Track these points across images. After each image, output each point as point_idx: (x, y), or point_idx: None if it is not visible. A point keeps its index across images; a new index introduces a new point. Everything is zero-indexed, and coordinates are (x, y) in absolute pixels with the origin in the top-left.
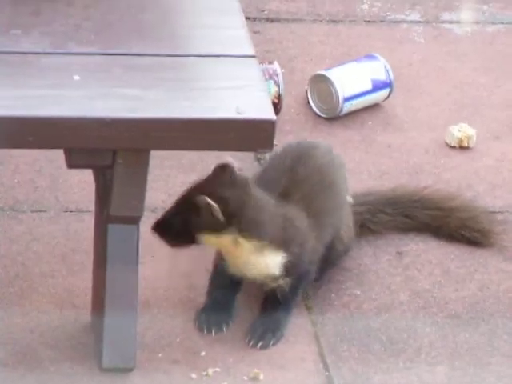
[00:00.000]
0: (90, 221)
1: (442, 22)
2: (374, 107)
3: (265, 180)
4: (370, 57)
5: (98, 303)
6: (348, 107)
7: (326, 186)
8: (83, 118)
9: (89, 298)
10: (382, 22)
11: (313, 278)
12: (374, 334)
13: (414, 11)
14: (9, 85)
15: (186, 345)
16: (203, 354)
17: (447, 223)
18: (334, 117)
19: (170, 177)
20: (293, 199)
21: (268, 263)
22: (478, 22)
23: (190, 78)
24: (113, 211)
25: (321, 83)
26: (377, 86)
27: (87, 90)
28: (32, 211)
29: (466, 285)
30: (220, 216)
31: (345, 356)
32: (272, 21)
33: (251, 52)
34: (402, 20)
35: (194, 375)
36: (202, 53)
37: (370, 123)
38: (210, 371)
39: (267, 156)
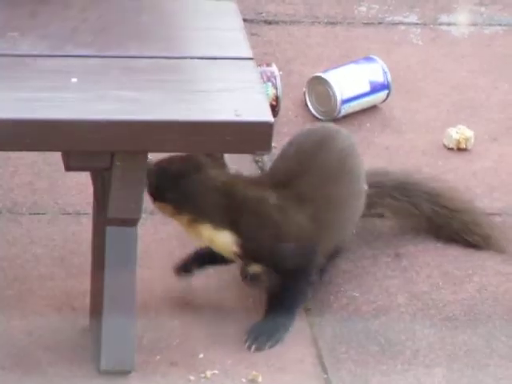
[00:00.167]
0: (88, 223)
1: (440, 24)
2: (372, 109)
3: (282, 161)
4: (367, 59)
5: (97, 305)
6: (346, 109)
7: (346, 173)
8: (81, 120)
9: (87, 300)
10: (379, 24)
11: (311, 279)
12: (373, 336)
13: (411, 13)
14: (6, 87)
15: (184, 347)
16: (201, 356)
17: (449, 224)
18: (332, 119)
19: None
20: (296, 185)
21: (218, 241)
22: (475, 24)
23: (188, 80)
24: (111, 213)
25: (319, 85)
26: (375, 88)
27: (85, 92)
28: (30, 214)
29: (464, 287)
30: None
31: (343, 358)
32: (270, 23)
33: (249, 54)
34: (400, 22)
35: (192, 377)
36: (200, 55)
37: (368, 125)
38: (209, 373)
39: (265, 158)
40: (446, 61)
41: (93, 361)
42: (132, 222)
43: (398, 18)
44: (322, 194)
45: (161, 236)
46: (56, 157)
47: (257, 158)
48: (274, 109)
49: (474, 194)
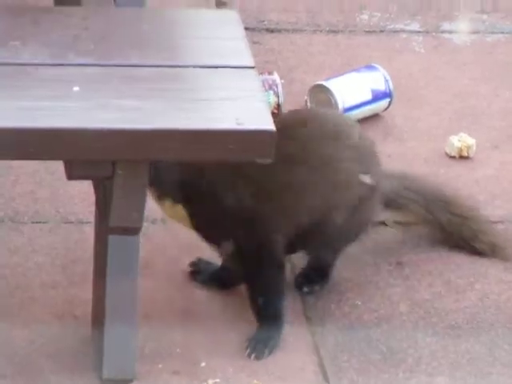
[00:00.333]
0: (90, 232)
1: (442, 31)
2: (373, 117)
3: None
4: (369, 67)
5: (99, 314)
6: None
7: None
8: (83, 129)
9: (89, 308)
10: (381, 32)
11: (276, 262)
12: (375, 345)
13: (413, 21)
14: (8, 96)
15: (186, 355)
16: (203, 364)
17: (460, 231)
18: None
19: None
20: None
21: (177, 214)
22: (477, 32)
23: (189, 88)
24: (112, 222)
25: (320, 93)
26: (377, 97)
27: (86, 101)
28: (32, 222)
29: (467, 295)
30: None
31: (345, 367)
32: (272, 31)
33: (250, 63)
34: (402, 30)
35: None
36: (201, 64)
37: (369, 133)
38: (211, 382)
39: None
40: (447, 69)
41: (95, 369)
42: (134, 231)
43: (399, 26)
44: (271, 176)
45: (163, 245)
46: (58, 165)
47: None
48: (276, 117)
49: (477, 201)
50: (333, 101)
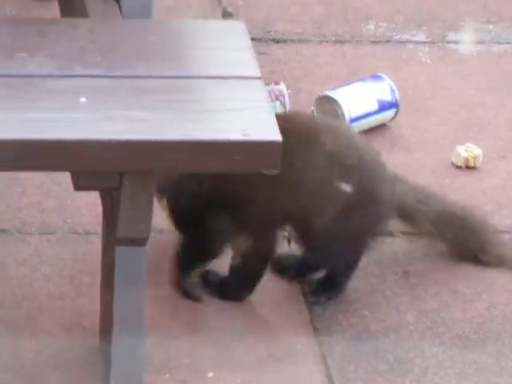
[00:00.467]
0: (97, 243)
1: (448, 42)
2: (380, 128)
3: None
4: (375, 77)
5: (106, 325)
6: (354, 128)
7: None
8: (90, 140)
9: (97, 319)
10: (387, 42)
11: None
12: (382, 355)
13: (419, 31)
14: (15, 108)
15: (194, 366)
16: (211, 375)
17: (466, 244)
18: None
19: None
20: None
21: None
22: (483, 42)
23: (196, 99)
24: (120, 233)
25: (327, 104)
26: (383, 107)
27: (93, 112)
28: (39, 233)
29: (474, 305)
30: None
31: (352, 377)
32: (278, 42)
33: (257, 73)
34: (408, 40)
35: None
36: (208, 74)
37: (376, 144)
38: None
39: None
40: (454, 79)
41: (102, 380)
42: (141, 242)
43: (405, 37)
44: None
45: (170, 255)
46: (64, 176)
47: None
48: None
49: (483, 211)
50: (339, 111)
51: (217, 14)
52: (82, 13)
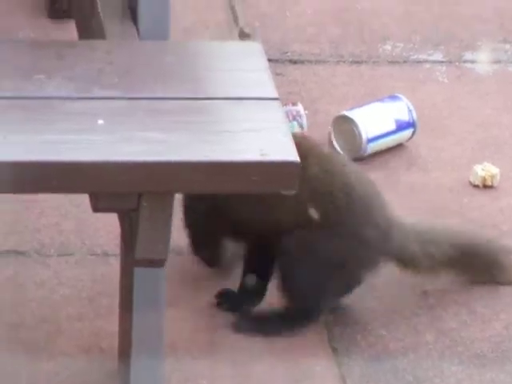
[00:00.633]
0: (116, 264)
1: (465, 61)
2: (397, 147)
3: None
4: (393, 97)
5: (125, 347)
6: (372, 148)
7: None
8: (107, 162)
9: (115, 341)
10: (404, 62)
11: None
12: (401, 375)
13: (436, 51)
14: (33, 130)
15: None
16: None
17: (481, 270)
18: (357, 157)
19: None
20: None
21: None
22: (499, 62)
23: (213, 120)
24: (138, 254)
25: (344, 124)
26: (400, 127)
27: (111, 134)
28: (58, 255)
29: (492, 324)
30: None
31: None
32: (295, 62)
33: (274, 94)
34: (425, 60)
35: None
36: (225, 95)
37: (393, 163)
38: None
39: None
40: (470, 98)
41: None
42: (160, 263)
43: (422, 57)
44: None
45: (189, 276)
46: (83, 198)
47: None
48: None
49: (501, 231)
50: (356, 131)
51: (234, 35)
52: (100, 34)
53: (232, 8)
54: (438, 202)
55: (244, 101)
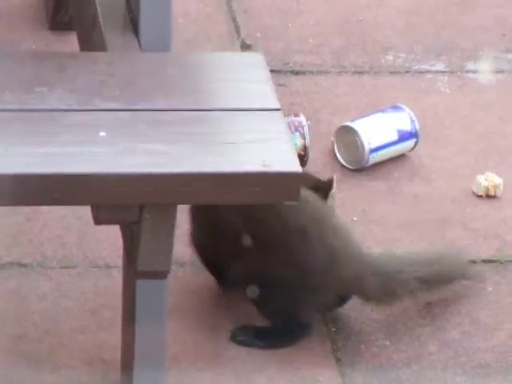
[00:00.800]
0: (118, 276)
1: (467, 71)
2: (400, 158)
3: None
4: (395, 107)
5: (128, 359)
6: (374, 158)
7: None
8: (110, 174)
9: (118, 353)
10: (407, 72)
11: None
12: None
13: (438, 61)
14: (35, 142)
15: None
16: None
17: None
18: (360, 168)
19: None
20: None
21: None
22: (502, 71)
23: (215, 132)
24: (140, 266)
25: (347, 135)
26: (403, 137)
27: (113, 146)
28: (60, 267)
29: (495, 334)
30: None
31: None
32: (297, 73)
33: (276, 105)
34: (427, 70)
35: None
36: (227, 107)
37: (396, 174)
38: None
39: None
40: (473, 108)
41: None
42: (162, 275)
43: (424, 67)
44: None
45: (191, 288)
46: (85, 210)
47: None
48: (303, 158)
49: (504, 241)
50: (359, 142)
51: (235, 46)
52: (101, 46)
53: (234, 19)
54: (441, 213)
55: (246, 112)
